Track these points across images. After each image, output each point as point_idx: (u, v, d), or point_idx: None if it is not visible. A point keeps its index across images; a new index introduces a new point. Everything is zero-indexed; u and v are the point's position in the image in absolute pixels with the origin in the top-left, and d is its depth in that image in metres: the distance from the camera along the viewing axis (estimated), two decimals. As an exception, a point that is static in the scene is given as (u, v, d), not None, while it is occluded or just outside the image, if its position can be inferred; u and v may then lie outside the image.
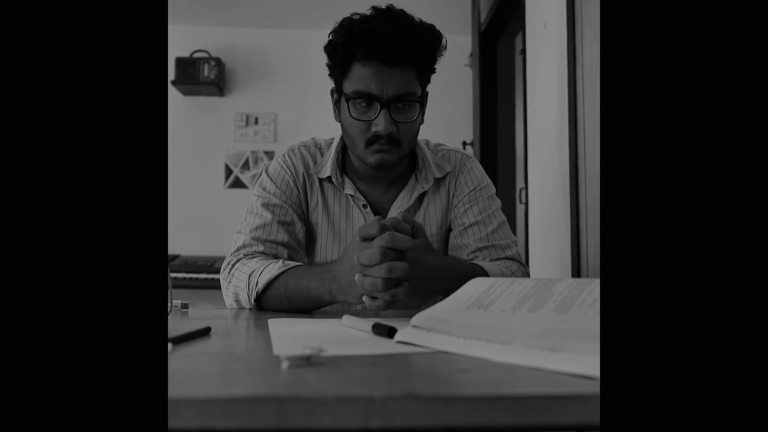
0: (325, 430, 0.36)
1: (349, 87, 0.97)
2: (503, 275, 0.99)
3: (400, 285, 0.78)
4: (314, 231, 1.09)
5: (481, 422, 0.37)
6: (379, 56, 0.92)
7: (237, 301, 0.98)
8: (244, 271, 0.97)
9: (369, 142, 0.98)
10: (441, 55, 1.00)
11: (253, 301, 0.95)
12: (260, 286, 0.93)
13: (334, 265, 0.87)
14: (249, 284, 0.95)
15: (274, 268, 0.93)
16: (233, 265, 1.00)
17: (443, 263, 0.91)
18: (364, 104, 0.96)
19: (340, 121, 1.04)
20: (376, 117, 0.96)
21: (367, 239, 0.79)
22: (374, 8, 0.97)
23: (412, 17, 0.96)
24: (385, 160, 0.99)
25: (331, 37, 0.99)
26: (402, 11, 0.96)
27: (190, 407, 0.36)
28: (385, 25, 0.92)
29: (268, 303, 0.94)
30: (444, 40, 1.00)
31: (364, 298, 0.80)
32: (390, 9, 0.96)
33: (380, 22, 0.93)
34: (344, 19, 0.97)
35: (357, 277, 0.78)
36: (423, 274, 0.84)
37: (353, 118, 0.97)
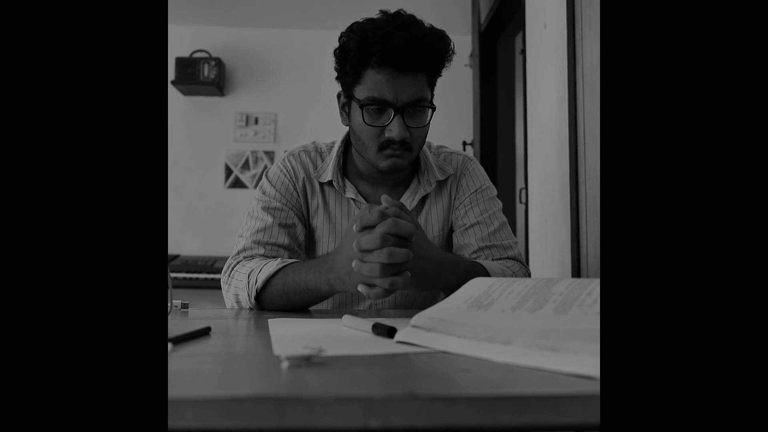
0: (325, 430, 0.36)
1: (362, 93, 0.97)
2: (504, 274, 0.99)
3: (400, 273, 0.77)
4: (315, 234, 1.09)
5: (481, 422, 0.37)
6: (395, 63, 0.93)
7: (237, 302, 0.98)
8: (244, 271, 0.97)
9: (381, 147, 0.99)
10: (450, 60, 1.01)
11: (253, 299, 0.95)
12: (259, 283, 0.93)
13: (332, 256, 0.87)
14: (249, 283, 0.95)
15: (273, 265, 0.94)
16: (233, 268, 1.00)
17: (444, 258, 0.91)
18: (377, 110, 0.96)
19: (348, 125, 1.04)
20: (389, 123, 0.96)
21: (368, 228, 0.78)
22: (384, 13, 0.96)
23: (422, 23, 0.97)
24: (397, 164, 1.00)
25: (342, 42, 0.98)
26: (412, 17, 0.96)
27: (190, 407, 0.36)
28: (399, 32, 0.92)
29: (268, 301, 0.94)
30: (452, 45, 1.00)
31: (360, 287, 0.79)
32: (400, 15, 0.96)
33: (394, 29, 0.92)
34: (354, 24, 0.97)
35: (354, 263, 0.77)
36: (424, 265, 0.84)
37: (367, 123, 0.97)
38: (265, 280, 0.93)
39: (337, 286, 0.85)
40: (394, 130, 0.96)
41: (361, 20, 0.97)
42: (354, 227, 0.80)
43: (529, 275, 1.08)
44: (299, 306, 0.93)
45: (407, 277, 0.77)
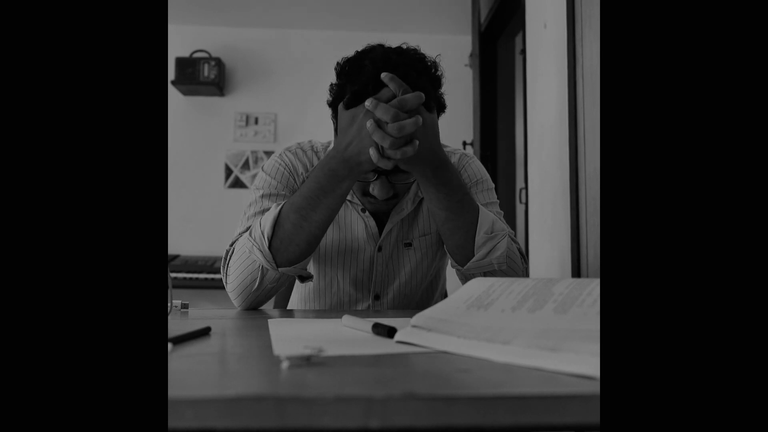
0: (325, 430, 0.36)
1: None
2: (494, 223, 0.94)
3: (410, 143, 0.79)
4: None
5: (481, 422, 0.37)
6: None
7: (250, 274, 0.90)
8: (244, 238, 0.90)
9: (366, 194, 0.98)
10: (442, 109, 0.94)
11: (267, 248, 0.87)
12: (267, 228, 0.87)
13: (333, 149, 0.85)
14: (255, 238, 0.88)
15: (272, 210, 0.89)
16: (232, 245, 0.95)
17: (443, 153, 0.88)
18: None
19: None
20: (373, 180, 0.94)
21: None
22: (379, 62, 0.86)
23: (418, 68, 0.87)
24: (382, 209, 1.01)
25: (333, 81, 0.91)
26: (402, 62, 0.86)
27: (190, 407, 0.36)
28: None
29: (285, 240, 0.87)
30: (442, 77, 0.93)
31: (370, 160, 0.81)
32: (389, 62, 0.85)
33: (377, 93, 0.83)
34: (346, 64, 0.90)
35: (369, 123, 0.78)
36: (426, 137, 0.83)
37: None
38: (273, 222, 0.86)
39: (353, 163, 0.83)
40: (376, 190, 0.92)
41: (351, 61, 0.90)
42: (367, 103, 0.80)
43: (522, 255, 1.04)
44: (322, 222, 0.87)
45: (416, 146, 0.80)
